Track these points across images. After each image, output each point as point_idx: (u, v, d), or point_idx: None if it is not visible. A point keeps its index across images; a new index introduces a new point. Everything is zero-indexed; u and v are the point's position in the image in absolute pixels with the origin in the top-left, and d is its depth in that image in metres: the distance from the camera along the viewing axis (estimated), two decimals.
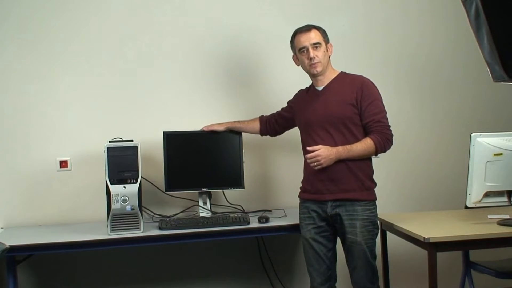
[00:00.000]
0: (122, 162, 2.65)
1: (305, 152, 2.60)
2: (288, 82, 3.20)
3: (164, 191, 3.01)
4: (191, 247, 3.14)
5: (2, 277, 2.87)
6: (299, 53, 2.63)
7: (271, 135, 3.01)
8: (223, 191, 3.14)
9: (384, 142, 2.53)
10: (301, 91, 2.83)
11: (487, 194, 2.59)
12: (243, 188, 3.05)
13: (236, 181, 3.05)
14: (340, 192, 2.51)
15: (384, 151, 2.57)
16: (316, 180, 2.56)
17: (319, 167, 2.47)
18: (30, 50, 3.02)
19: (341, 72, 2.68)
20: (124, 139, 2.76)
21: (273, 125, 2.94)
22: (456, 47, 3.54)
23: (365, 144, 2.50)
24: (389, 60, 3.47)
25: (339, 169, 2.50)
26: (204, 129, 2.99)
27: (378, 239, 2.87)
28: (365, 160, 2.57)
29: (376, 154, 2.57)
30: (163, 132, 2.99)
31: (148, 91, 3.16)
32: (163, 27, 3.18)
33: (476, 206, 2.60)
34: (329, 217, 2.55)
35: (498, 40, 1.31)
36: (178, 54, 3.19)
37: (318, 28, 2.63)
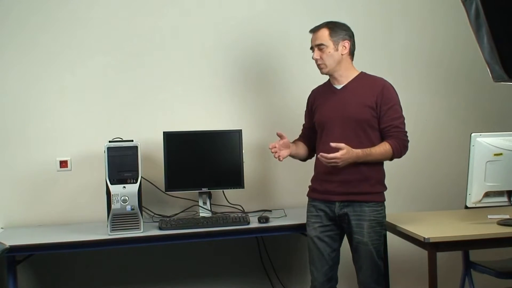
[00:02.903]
0: (122, 162, 2.65)
1: (320, 149, 2.54)
2: (290, 82, 3.20)
3: (164, 191, 3.01)
4: (191, 247, 3.14)
5: (2, 277, 2.87)
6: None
7: (312, 156, 2.77)
8: (223, 191, 3.14)
9: (401, 148, 2.50)
10: (314, 90, 2.76)
11: (487, 194, 2.59)
12: (243, 188, 3.05)
13: (236, 181, 3.04)
14: (349, 194, 2.50)
15: (400, 157, 2.54)
16: (326, 181, 2.54)
17: (334, 167, 2.43)
18: (30, 50, 3.02)
19: (362, 72, 2.63)
20: (124, 139, 2.76)
21: (313, 140, 2.72)
22: (456, 47, 3.54)
23: (383, 149, 2.48)
24: (388, 61, 3.47)
25: (351, 172, 2.47)
26: (283, 155, 2.61)
27: None
28: (377, 165, 2.54)
29: (391, 159, 2.54)
30: (163, 132, 2.99)
31: (148, 91, 3.15)
32: (163, 28, 3.17)
33: (476, 206, 2.60)
34: (337, 217, 2.54)
35: (498, 40, 1.31)
36: (178, 54, 3.19)
37: (329, 27, 2.55)
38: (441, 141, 3.54)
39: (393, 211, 3.20)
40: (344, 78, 2.59)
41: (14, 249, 2.46)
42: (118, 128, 3.01)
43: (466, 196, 2.59)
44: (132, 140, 2.74)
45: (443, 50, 3.55)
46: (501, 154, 2.56)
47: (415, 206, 3.40)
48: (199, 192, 3.03)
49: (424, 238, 2.33)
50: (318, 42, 2.54)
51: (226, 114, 3.23)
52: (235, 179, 3.05)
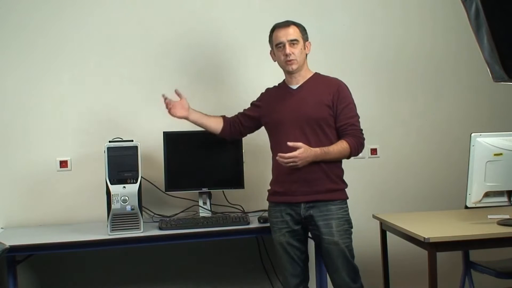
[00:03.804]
0: (122, 162, 2.65)
1: (277, 151, 2.51)
2: None
3: (164, 191, 3.01)
4: (191, 247, 3.14)
5: (2, 277, 2.87)
6: (276, 48, 2.60)
7: (232, 137, 2.87)
8: (223, 191, 3.14)
9: (358, 146, 2.53)
10: (268, 89, 2.78)
11: (487, 194, 2.59)
12: (243, 188, 3.05)
13: (236, 181, 3.05)
14: (313, 193, 2.49)
15: (357, 155, 2.57)
16: (288, 181, 2.52)
17: (294, 167, 2.43)
18: (30, 50, 3.02)
19: (316, 72, 2.66)
20: (124, 139, 2.76)
21: (238, 126, 2.80)
22: (456, 47, 3.54)
23: (341, 147, 2.49)
24: (389, 61, 3.47)
25: (312, 170, 2.47)
26: (176, 113, 2.71)
27: (378, 239, 2.88)
28: (336, 162, 2.56)
29: (349, 158, 2.55)
30: (163, 132, 2.99)
31: (148, 91, 3.15)
32: (163, 28, 3.18)
33: (476, 206, 2.60)
34: (303, 219, 2.53)
35: (498, 40, 1.31)
36: (178, 54, 3.19)
37: (297, 25, 2.59)
38: (441, 141, 3.53)
39: (393, 211, 3.21)
40: (302, 78, 2.62)
41: (14, 249, 2.46)
42: (118, 128, 3.01)
43: (466, 196, 2.59)
44: (132, 140, 2.74)
45: (443, 50, 3.54)
46: (501, 154, 2.56)
47: (415, 206, 3.40)
48: (199, 192, 3.03)
49: (424, 238, 2.32)
50: (292, 37, 2.55)
51: (225, 112, 3.22)
52: (235, 179, 3.05)
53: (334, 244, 2.47)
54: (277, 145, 2.56)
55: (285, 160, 2.41)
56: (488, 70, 1.39)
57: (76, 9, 3.07)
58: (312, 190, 2.49)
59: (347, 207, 2.57)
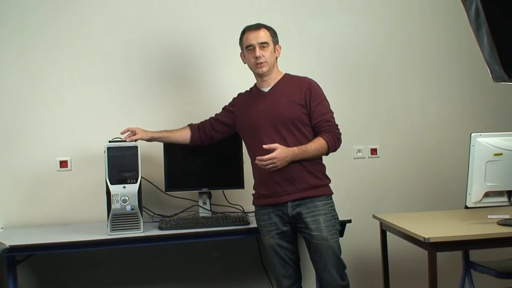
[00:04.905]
0: (122, 162, 2.65)
1: (255, 155, 2.50)
2: None
3: (164, 191, 3.01)
4: (191, 247, 3.14)
5: (2, 277, 2.87)
6: (246, 51, 2.61)
7: (203, 143, 2.84)
8: (223, 191, 3.14)
9: (335, 141, 2.54)
10: (241, 94, 2.78)
11: (487, 194, 2.59)
12: (243, 188, 3.05)
13: (236, 181, 3.05)
14: (298, 192, 2.50)
15: (335, 150, 2.57)
16: (271, 182, 2.52)
17: (274, 169, 2.44)
18: (30, 50, 3.02)
19: (286, 73, 2.66)
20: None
21: (208, 131, 2.80)
22: (456, 47, 3.54)
23: (318, 144, 2.50)
24: (388, 61, 3.47)
25: (294, 169, 2.48)
26: (126, 138, 2.72)
27: (378, 239, 2.88)
28: (316, 158, 2.56)
29: (327, 154, 2.57)
30: None
31: (148, 91, 3.16)
32: (162, 28, 3.18)
33: (476, 206, 2.60)
34: (291, 218, 2.53)
35: (498, 40, 1.31)
36: (177, 53, 3.19)
37: (268, 28, 2.60)
38: (441, 141, 3.53)
39: (393, 211, 3.21)
40: (272, 80, 2.63)
41: (14, 249, 2.46)
42: (118, 128, 3.00)
43: (466, 196, 2.59)
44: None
45: (443, 50, 3.54)
46: (501, 154, 2.56)
47: (415, 206, 3.40)
48: (199, 192, 3.04)
49: (424, 238, 2.32)
50: (263, 40, 2.56)
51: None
52: (235, 179, 3.05)
53: (323, 239, 2.47)
54: (255, 149, 2.55)
55: (264, 163, 2.42)
56: (488, 70, 1.40)
57: (77, 8, 3.07)
58: (297, 188, 2.50)
59: (332, 202, 2.57)
